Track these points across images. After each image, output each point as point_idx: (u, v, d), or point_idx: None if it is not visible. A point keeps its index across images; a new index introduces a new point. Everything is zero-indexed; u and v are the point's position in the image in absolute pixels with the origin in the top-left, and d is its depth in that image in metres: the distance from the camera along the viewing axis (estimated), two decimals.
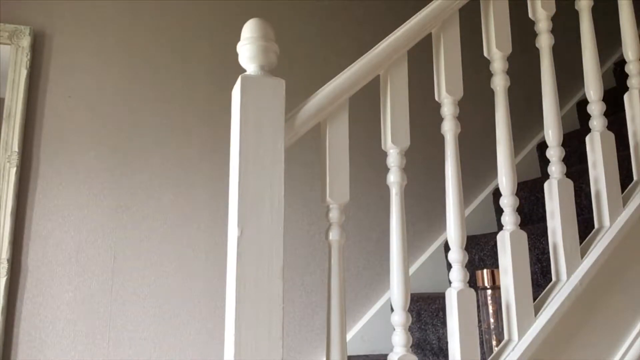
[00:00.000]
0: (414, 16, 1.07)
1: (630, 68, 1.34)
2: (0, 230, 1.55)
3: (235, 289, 0.80)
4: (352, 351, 1.78)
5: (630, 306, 1.16)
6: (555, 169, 1.16)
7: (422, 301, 1.60)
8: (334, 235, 0.93)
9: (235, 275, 0.81)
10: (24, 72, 1.65)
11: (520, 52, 2.04)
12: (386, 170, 1.85)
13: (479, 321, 1.18)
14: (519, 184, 1.96)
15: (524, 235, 1.08)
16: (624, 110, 1.92)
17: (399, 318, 0.95)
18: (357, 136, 1.98)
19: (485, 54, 1.18)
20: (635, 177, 1.29)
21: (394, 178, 1.00)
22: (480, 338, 1.19)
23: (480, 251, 1.74)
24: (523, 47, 2.02)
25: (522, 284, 1.05)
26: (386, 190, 1.95)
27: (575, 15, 1.33)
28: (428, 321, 1.56)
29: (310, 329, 1.79)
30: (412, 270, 1.93)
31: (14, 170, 1.59)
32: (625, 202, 1.23)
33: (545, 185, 1.16)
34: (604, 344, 1.11)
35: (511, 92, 2.08)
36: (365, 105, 2.00)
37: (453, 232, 1.03)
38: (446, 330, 1.45)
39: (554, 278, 1.13)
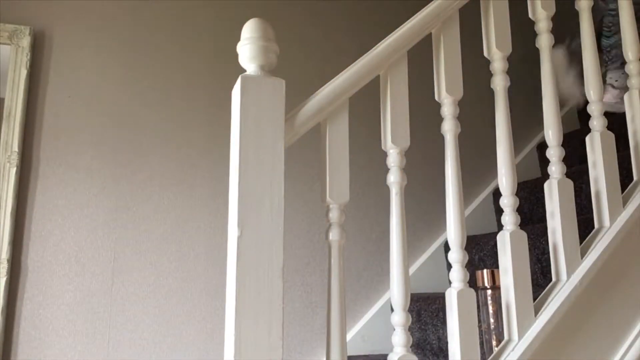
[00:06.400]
0: (414, 16, 1.07)
1: (630, 68, 1.34)
2: (0, 230, 1.55)
3: (235, 289, 0.80)
4: (352, 351, 1.78)
5: (630, 306, 1.16)
6: (555, 169, 1.16)
7: (422, 301, 1.60)
8: (334, 235, 0.93)
9: (235, 275, 0.81)
10: (24, 72, 1.65)
11: (520, 52, 2.04)
12: (386, 170, 1.85)
13: (479, 321, 1.18)
14: (519, 184, 1.96)
15: (524, 235, 1.08)
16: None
17: (399, 318, 0.95)
18: (357, 136, 1.98)
19: (485, 54, 1.18)
20: (635, 177, 1.29)
21: (394, 178, 1.00)
22: (480, 338, 1.19)
23: (480, 251, 1.74)
24: (523, 47, 2.01)
25: (522, 284, 1.05)
26: (386, 190, 1.95)
27: (576, 15, 1.33)
28: (428, 321, 1.56)
29: (310, 329, 1.79)
30: (412, 270, 1.93)
31: (14, 170, 1.59)
32: (625, 202, 1.23)
33: (545, 185, 1.16)
34: (604, 344, 1.11)
35: (511, 92, 2.08)
36: (365, 105, 2.00)
37: (453, 232, 1.03)
38: (446, 330, 1.45)
39: (554, 278, 1.13)
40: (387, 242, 1.94)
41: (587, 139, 1.25)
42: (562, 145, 1.19)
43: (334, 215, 0.94)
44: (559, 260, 1.12)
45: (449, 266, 1.91)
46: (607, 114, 1.35)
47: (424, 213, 2.01)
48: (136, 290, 1.67)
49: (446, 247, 1.95)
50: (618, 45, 1.98)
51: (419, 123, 2.03)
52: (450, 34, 1.11)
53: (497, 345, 1.13)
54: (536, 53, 1.28)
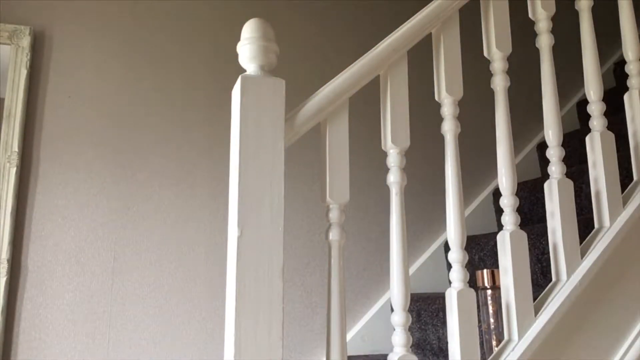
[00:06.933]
0: (414, 16, 1.07)
1: (630, 68, 1.34)
2: (0, 230, 1.55)
3: (235, 289, 0.80)
4: (352, 351, 1.78)
5: (630, 306, 1.16)
6: (555, 169, 1.16)
7: (422, 301, 1.60)
8: (334, 235, 0.93)
9: (235, 275, 0.81)
10: (24, 72, 1.65)
11: (520, 52, 2.04)
12: (386, 170, 1.85)
13: (479, 321, 1.18)
14: (519, 184, 1.97)
15: (524, 235, 1.08)
16: (624, 110, 1.92)
17: (399, 318, 0.95)
18: (357, 136, 1.98)
19: (485, 54, 1.18)
20: (635, 177, 1.29)
21: (394, 178, 1.00)
22: (480, 338, 1.19)
23: (480, 251, 1.74)
24: (523, 47, 2.02)
25: (522, 284, 1.05)
26: (386, 190, 1.95)
27: (575, 15, 1.33)
28: (428, 321, 1.56)
29: (310, 329, 1.79)
30: (412, 270, 1.93)
31: (14, 170, 1.59)
32: (625, 202, 1.23)
33: (545, 185, 1.16)
34: (604, 343, 1.11)
35: (511, 92, 2.08)
36: (365, 105, 2.00)
37: (453, 232, 1.03)
38: (446, 330, 1.45)
39: (554, 278, 1.13)
40: (387, 242, 1.94)
41: (587, 139, 1.25)
42: (562, 145, 1.19)
43: (334, 215, 0.94)
44: (559, 260, 1.12)
45: (449, 266, 1.91)
46: (607, 114, 1.35)
47: (424, 213, 2.01)
48: (136, 290, 1.67)
49: (446, 247, 1.95)
50: None
51: (419, 123, 2.03)
52: (450, 34, 1.11)
53: (497, 345, 1.13)
54: (536, 53, 1.28)
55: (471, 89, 1.90)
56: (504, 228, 1.09)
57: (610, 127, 1.52)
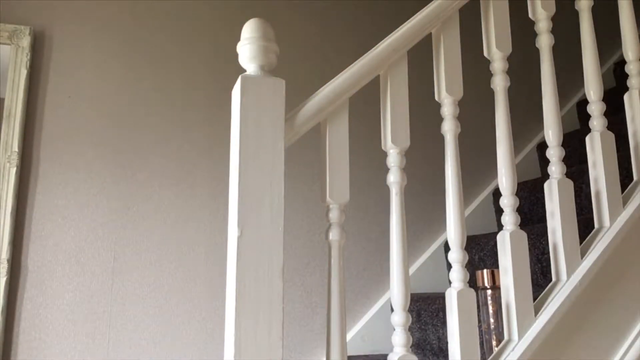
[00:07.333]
0: (414, 16, 1.07)
1: (630, 68, 1.34)
2: (0, 230, 1.55)
3: (235, 289, 0.80)
4: (352, 351, 1.78)
5: (630, 306, 1.16)
6: (555, 169, 1.16)
7: (422, 301, 1.60)
8: (334, 235, 0.93)
9: (235, 275, 0.81)
10: (24, 72, 1.65)
11: (520, 52, 2.04)
12: (386, 170, 1.85)
13: (479, 321, 1.18)
14: (519, 184, 1.97)
15: (524, 235, 1.08)
16: (624, 110, 1.92)
17: (399, 318, 0.95)
18: (357, 136, 1.98)
19: (485, 54, 1.18)
20: (635, 177, 1.29)
21: (394, 178, 1.00)
22: (480, 338, 1.19)
23: (480, 251, 1.74)
24: (523, 47, 2.02)
25: (522, 284, 1.05)
26: (386, 190, 1.95)
27: (575, 15, 1.33)
28: (428, 321, 1.56)
29: (310, 329, 1.79)
30: (412, 270, 1.93)
31: (14, 170, 1.59)
32: (625, 202, 1.23)
33: (545, 185, 1.16)
34: (604, 343, 1.11)
35: (511, 92, 2.08)
36: (365, 105, 2.00)
37: (453, 232, 1.03)
38: (446, 330, 1.45)
39: (554, 278, 1.13)
40: (387, 242, 1.94)
41: (587, 139, 1.25)
42: (562, 145, 1.19)
43: (334, 215, 0.94)
44: (559, 260, 1.12)
45: (449, 266, 1.91)
46: (607, 114, 1.35)
47: (424, 213, 2.01)
48: (136, 290, 1.67)
49: (446, 247, 1.95)
50: None
51: (419, 123, 2.03)
52: (450, 34, 1.11)
53: (497, 345, 1.13)
54: (536, 53, 1.28)
55: (471, 89, 1.90)
56: (504, 228, 1.09)
57: (610, 127, 1.52)
